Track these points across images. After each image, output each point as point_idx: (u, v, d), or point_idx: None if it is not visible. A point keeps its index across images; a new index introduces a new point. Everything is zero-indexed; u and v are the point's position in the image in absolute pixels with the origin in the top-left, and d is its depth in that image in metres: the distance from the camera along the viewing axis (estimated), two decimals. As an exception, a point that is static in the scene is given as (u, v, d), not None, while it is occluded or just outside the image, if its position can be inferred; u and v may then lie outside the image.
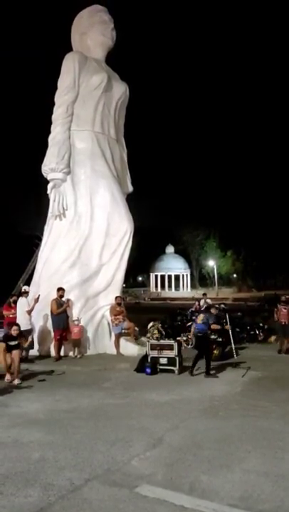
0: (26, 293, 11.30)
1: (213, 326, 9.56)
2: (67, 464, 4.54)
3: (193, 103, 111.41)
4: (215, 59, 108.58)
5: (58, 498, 3.83)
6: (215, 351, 10.17)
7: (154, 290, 66.32)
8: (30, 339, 10.62)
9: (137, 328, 12.21)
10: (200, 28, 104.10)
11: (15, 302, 11.37)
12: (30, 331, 10.83)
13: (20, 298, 11.19)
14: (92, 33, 13.40)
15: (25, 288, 11.65)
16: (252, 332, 14.24)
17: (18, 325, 9.13)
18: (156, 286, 68.57)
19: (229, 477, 4.23)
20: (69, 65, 12.62)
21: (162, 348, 9.49)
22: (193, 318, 14.20)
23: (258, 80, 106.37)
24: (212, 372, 8.99)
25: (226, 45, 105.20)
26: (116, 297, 11.82)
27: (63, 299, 11.23)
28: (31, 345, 10.92)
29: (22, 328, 10.62)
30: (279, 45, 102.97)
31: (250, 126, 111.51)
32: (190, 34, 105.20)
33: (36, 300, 11.01)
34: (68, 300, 11.39)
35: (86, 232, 12.16)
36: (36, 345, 11.50)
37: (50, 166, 12.09)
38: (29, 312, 10.79)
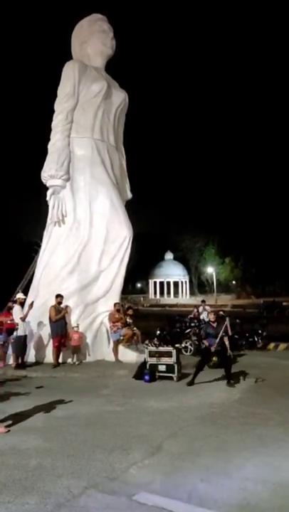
0: (22, 301, 11.22)
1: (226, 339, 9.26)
2: (65, 472, 4.52)
3: (192, 111, 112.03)
4: (214, 69, 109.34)
5: (56, 506, 3.80)
6: (214, 358, 10.13)
7: (153, 297, 66.33)
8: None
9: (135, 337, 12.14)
10: (199, 35, 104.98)
11: (10, 309, 11.34)
12: (25, 338, 10.80)
13: (14, 305, 11.16)
14: (92, 41, 13.53)
15: (19, 296, 11.56)
16: (251, 339, 14.23)
17: None
18: (155, 292, 68.63)
19: (227, 485, 4.22)
20: (69, 73, 12.71)
21: (161, 355, 9.47)
22: (192, 325, 14.19)
23: (255, 91, 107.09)
24: (231, 381, 8.85)
25: (226, 55, 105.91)
26: (115, 304, 11.82)
27: (61, 305, 11.23)
28: (24, 351, 10.88)
29: (18, 334, 10.66)
30: (277, 53, 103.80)
31: (248, 133, 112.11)
32: (189, 42, 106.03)
33: (30, 306, 10.99)
34: (66, 306, 11.38)
35: (85, 239, 12.18)
36: (33, 352, 11.47)
37: (50, 173, 12.13)
38: (23, 319, 10.75)
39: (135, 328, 11.94)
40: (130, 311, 12.56)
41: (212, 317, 9.53)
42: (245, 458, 4.88)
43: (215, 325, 9.22)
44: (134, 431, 5.88)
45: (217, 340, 8.98)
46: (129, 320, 11.89)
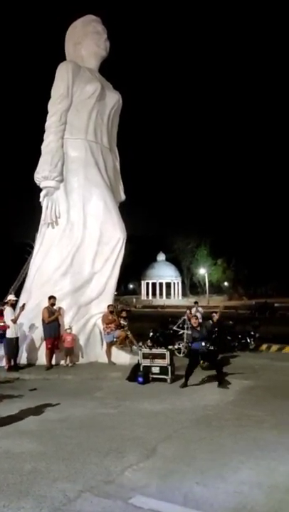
0: (13, 302, 11.14)
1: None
2: (60, 476, 4.50)
3: (185, 114, 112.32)
4: (208, 72, 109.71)
5: (51, 510, 3.78)
6: (202, 363, 10.14)
7: (146, 298, 66.35)
8: None
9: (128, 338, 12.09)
10: (195, 35, 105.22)
11: (1, 312, 11.26)
12: (17, 340, 10.74)
13: (6, 307, 11.07)
14: (86, 43, 13.49)
15: (10, 298, 11.47)
16: (243, 340, 14.27)
17: None
18: (148, 293, 68.65)
19: (223, 488, 4.22)
20: (62, 74, 12.66)
21: (154, 356, 9.46)
22: (185, 327, 14.21)
23: (249, 93, 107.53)
24: (223, 383, 8.86)
25: (220, 58, 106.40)
26: (108, 305, 11.79)
27: (55, 307, 11.18)
28: (16, 353, 10.80)
29: (8, 336, 10.59)
30: (275, 53, 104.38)
31: (239, 137, 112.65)
32: (184, 43, 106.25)
33: (22, 308, 10.92)
34: (60, 308, 11.34)
35: (78, 241, 12.14)
36: (26, 354, 11.40)
37: (43, 174, 12.08)
38: (14, 321, 10.67)
39: (129, 332, 11.93)
40: (124, 314, 12.53)
41: (194, 322, 9.50)
42: (240, 461, 4.89)
43: (199, 329, 9.29)
44: (129, 433, 5.87)
45: (203, 343, 9.04)
46: (123, 322, 11.87)
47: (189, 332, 13.22)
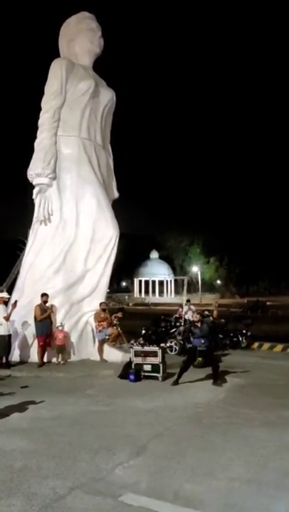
0: (5, 300, 11.07)
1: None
2: (50, 473, 4.51)
3: (179, 112, 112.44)
4: (203, 70, 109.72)
5: (42, 508, 3.79)
6: (199, 358, 10.19)
7: (138, 295, 66.42)
8: None
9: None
10: (190, 33, 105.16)
11: None
12: (9, 337, 10.69)
13: None
14: (80, 40, 13.41)
15: (2, 295, 11.37)
16: (235, 339, 14.33)
17: None
18: (140, 291, 68.75)
19: (213, 485, 4.26)
20: (56, 71, 12.60)
21: (146, 354, 9.48)
22: (177, 324, 14.28)
23: (244, 94, 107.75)
24: (218, 381, 8.89)
25: (218, 53, 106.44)
26: (100, 303, 11.79)
27: (47, 304, 11.15)
28: (8, 350, 10.75)
29: (0, 334, 10.52)
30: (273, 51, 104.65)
31: (233, 138, 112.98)
32: (179, 40, 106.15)
33: (14, 306, 10.87)
34: (52, 306, 11.32)
35: (71, 238, 12.11)
36: (18, 351, 11.37)
37: (36, 171, 12.03)
38: (6, 318, 10.61)
39: (119, 329, 11.92)
40: (120, 314, 12.42)
41: (196, 317, 9.57)
42: (231, 458, 4.93)
43: (199, 325, 9.28)
44: (120, 431, 5.89)
45: (202, 340, 9.04)
46: (116, 322, 11.85)
47: (181, 329, 13.36)
